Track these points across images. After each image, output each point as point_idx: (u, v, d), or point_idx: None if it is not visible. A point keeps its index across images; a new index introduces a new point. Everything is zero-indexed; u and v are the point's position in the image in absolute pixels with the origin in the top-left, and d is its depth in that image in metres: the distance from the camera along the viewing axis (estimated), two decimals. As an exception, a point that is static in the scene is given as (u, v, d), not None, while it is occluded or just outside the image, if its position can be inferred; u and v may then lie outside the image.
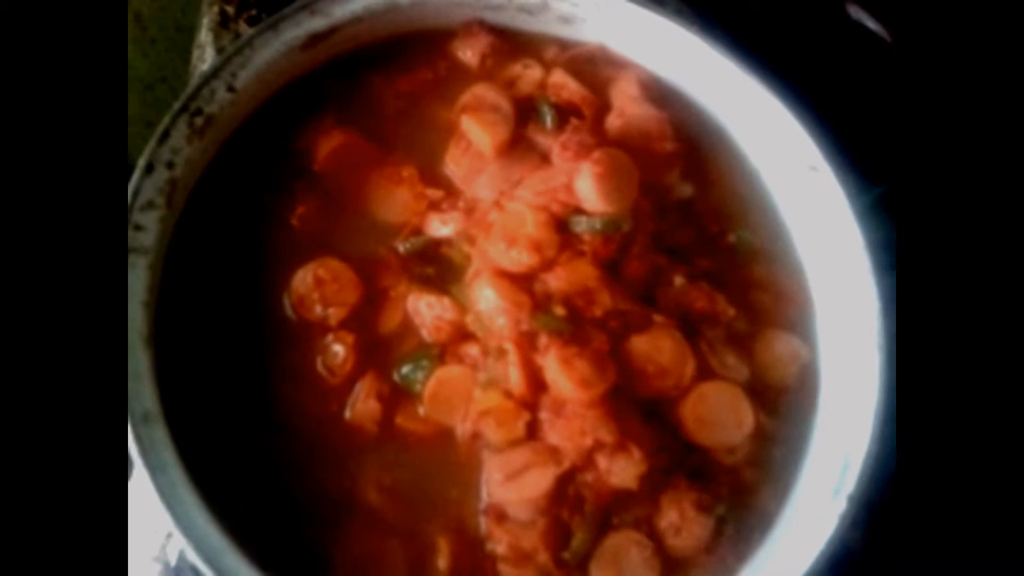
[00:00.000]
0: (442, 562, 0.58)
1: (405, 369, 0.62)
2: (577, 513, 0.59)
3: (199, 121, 0.62)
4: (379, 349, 0.63)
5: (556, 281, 0.63)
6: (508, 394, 0.60)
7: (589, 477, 0.59)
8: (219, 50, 0.86)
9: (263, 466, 0.59)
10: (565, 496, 0.59)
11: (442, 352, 0.63)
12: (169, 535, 0.69)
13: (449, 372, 0.62)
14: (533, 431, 0.60)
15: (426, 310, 0.64)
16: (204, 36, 0.91)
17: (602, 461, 0.58)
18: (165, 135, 0.60)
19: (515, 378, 0.60)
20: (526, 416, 0.60)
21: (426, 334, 0.64)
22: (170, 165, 0.60)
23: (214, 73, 0.63)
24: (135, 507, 0.72)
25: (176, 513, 0.51)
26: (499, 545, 0.58)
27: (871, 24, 0.94)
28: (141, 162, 0.59)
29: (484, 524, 0.59)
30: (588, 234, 0.64)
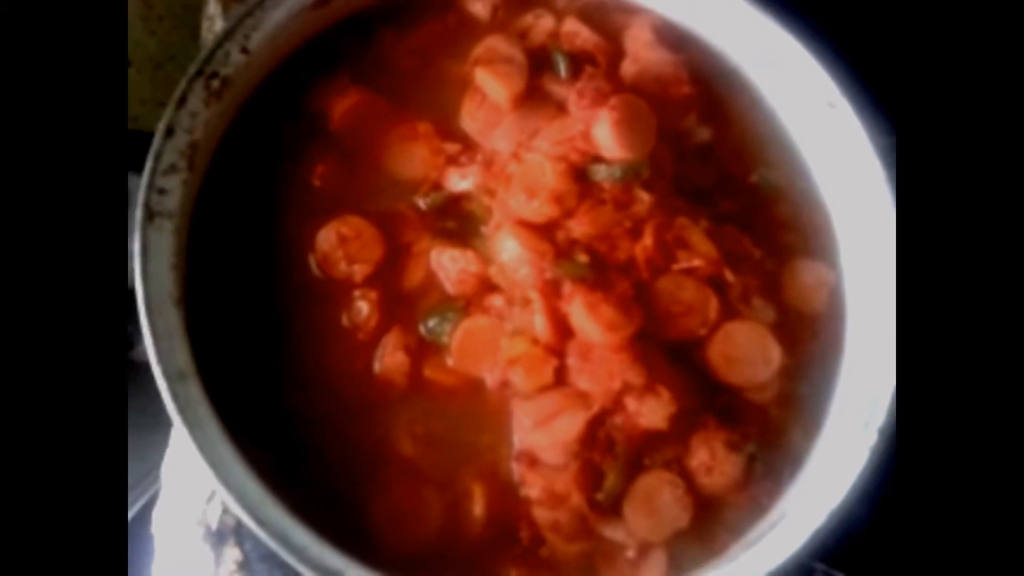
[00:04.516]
0: (477, 508, 0.59)
1: (431, 322, 0.63)
2: (608, 455, 0.59)
3: (215, 84, 0.62)
4: (404, 304, 0.64)
5: (578, 228, 0.63)
6: (535, 341, 0.61)
7: (619, 419, 0.59)
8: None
9: (296, 421, 0.60)
10: (596, 439, 0.60)
11: (467, 304, 0.63)
12: (210, 499, 0.70)
13: (475, 323, 0.62)
14: (561, 377, 0.61)
15: (450, 264, 0.64)
16: (213, 7, 0.91)
17: (631, 403, 0.59)
18: (183, 100, 0.61)
19: (541, 325, 0.60)
20: (554, 362, 0.60)
21: (450, 287, 0.64)
22: (189, 129, 0.61)
23: (227, 35, 0.63)
24: (173, 472, 0.74)
25: (216, 466, 0.52)
26: (532, 489, 0.59)
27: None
28: (161, 126, 0.59)
29: (517, 470, 0.60)
30: (608, 182, 0.64)
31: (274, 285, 0.63)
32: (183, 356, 0.55)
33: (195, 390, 0.54)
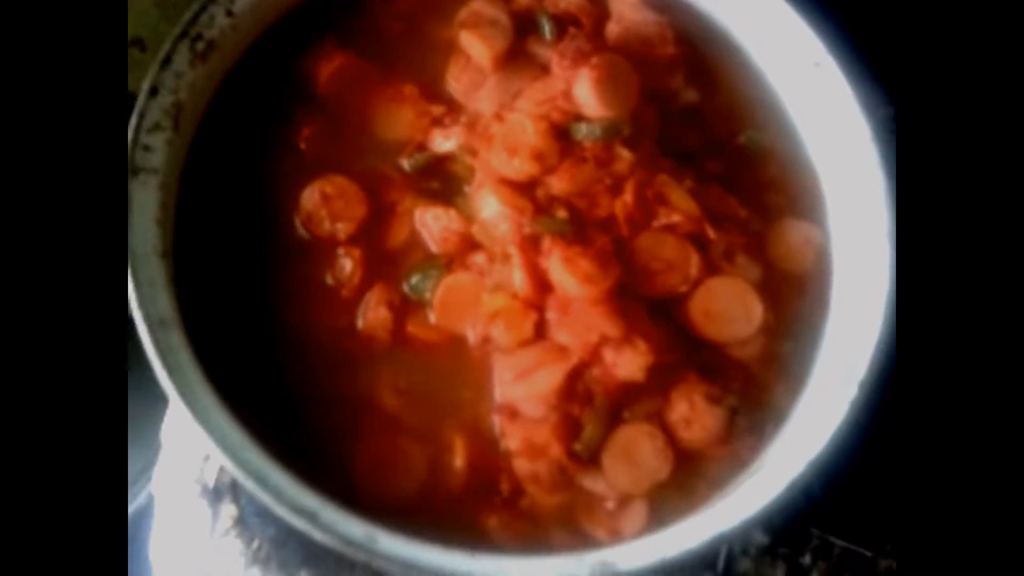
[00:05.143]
0: (459, 460, 0.60)
1: (414, 279, 0.64)
2: (587, 408, 0.60)
3: (200, 46, 0.64)
4: (387, 262, 0.65)
5: (558, 185, 0.63)
6: (515, 296, 0.61)
7: (597, 372, 0.60)
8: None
9: (279, 373, 0.61)
10: (575, 392, 0.60)
11: (449, 262, 0.64)
12: (207, 458, 0.72)
13: (457, 279, 0.63)
14: (541, 331, 0.61)
15: (433, 222, 0.65)
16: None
17: (608, 355, 0.59)
18: (167, 60, 0.62)
19: (520, 280, 0.61)
20: (533, 316, 0.61)
21: (433, 246, 0.65)
22: (174, 89, 0.62)
23: (216, 1, 0.64)
24: (172, 433, 0.76)
25: (194, 409, 0.53)
26: (512, 441, 0.60)
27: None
28: (145, 85, 0.61)
29: (497, 422, 0.61)
30: (589, 140, 0.65)
31: (260, 242, 0.64)
32: (165, 305, 0.56)
33: (176, 337, 0.56)
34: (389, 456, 0.60)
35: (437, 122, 0.68)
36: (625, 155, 0.64)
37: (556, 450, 0.59)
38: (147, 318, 0.54)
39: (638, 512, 0.60)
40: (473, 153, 0.66)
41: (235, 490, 0.71)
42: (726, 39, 0.75)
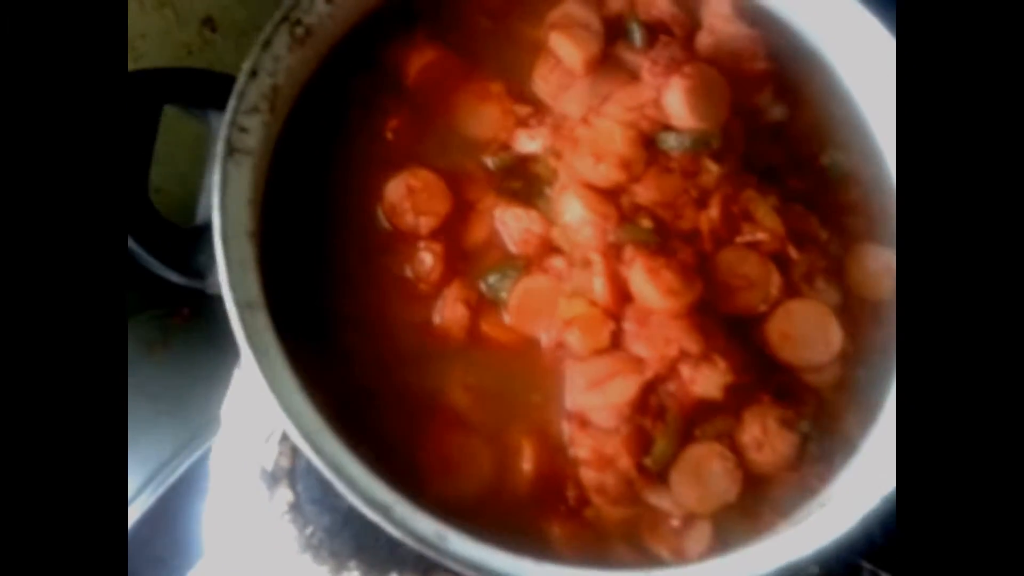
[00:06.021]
0: (526, 464, 0.59)
1: (492, 279, 0.63)
2: (659, 422, 0.59)
3: (299, 31, 0.64)
4: (466, 259, 0.65)
5: (644, 194, 0.63)
6: (593, 304, 0.61)
7: (673, 386, 0.59)
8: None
9: (354, 362, 0.61)
10: (648, 405, 0.59)
11: (528, 263, 0.64)
12: (267, 439, 0.72)
13: (535, 282, 0.63)
14: (617, 340, 0.61)
15: (513, 222, 0.65)
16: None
17: (686, 371, 0.59)
18: (267, 43, 0.62)
19: (600, 288, 0.60)
20: (611, 325, 0.60)
21: (512, 246, 0.65)
22: (272, 72, 0.63)
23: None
24: (234, 411, 0.76)
25: (279, 394, 0.53)
26: (581, 450, 0.59)
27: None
28: (245, 67, 0.61)
29: (567, 430, 0.60)
30: (677, 151, 0.64)
31: (343, 230, 0.64)
32: (254, 287, 0.56)
33: (263, 320, 0.56)
34: (456, 454, 0.60)
35: (522, 122, 0.68)
36: (712, 168, 0.63)
37: (625, 463, 0.59)
38: (237, 300, 0.54)
39: (703, 532, 0.59)
40: (558, 156, 0.65)
41: (292, 475, 0.72)
42: (815, 57, 0.74)
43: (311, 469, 0.70)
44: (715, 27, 0.70)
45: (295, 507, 0.71)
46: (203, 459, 1.12)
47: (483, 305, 0.63)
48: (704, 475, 0.59)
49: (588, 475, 0.59)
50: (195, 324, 1.37)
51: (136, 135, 0.61)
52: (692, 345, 0.58)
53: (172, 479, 1.10)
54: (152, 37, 1.42)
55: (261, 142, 0.61)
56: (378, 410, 0.60)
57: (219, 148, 0.58)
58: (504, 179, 0.67)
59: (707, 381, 0.58)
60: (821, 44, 0.74)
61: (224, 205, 0.56)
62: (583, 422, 0.60)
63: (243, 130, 0.60)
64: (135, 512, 1.06)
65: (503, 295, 0.63)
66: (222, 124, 0.59)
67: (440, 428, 0.60)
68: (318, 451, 0.53)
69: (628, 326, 0.60)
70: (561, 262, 0.63)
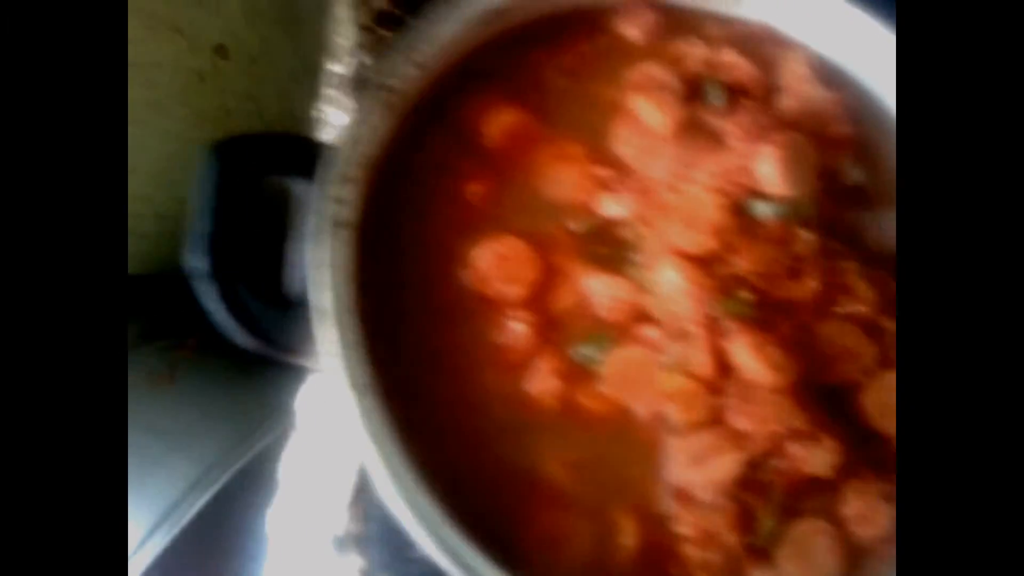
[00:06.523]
0: (628, 540, 0.58)
1: (584, 348, 0.62)
2: (762, 498, 0.59)
3: (389, 97, 0.63)
4: (555, 327, 0.63)
5: (740, 264, 0.62)
6: (692, 376, 0.60)
7: (780, 463, 0.58)
8: (362, 27, 0.87)
9: (452, 438, 0.59)
10: (752, 481, 0.59)
11: (620, 333, 0.63)
12: (335, 505, 0.71)
13: (630, 353, 0.62)
14: (717, 415, 0.60)
15: (602, 290, 0.64)
16: (342, 11, 0.91)
17: (795, 449, 0.58)
18: (360, 112, 0.61)
19: (702, 361, 0.59)
20: (711, 400, 0.59)
21: (602, 313, 0.63)
22: (365, 140, 0.61)
23: (402, 50, 0.63)
24: (291, 473, 0.74)
25: (396, 476, 0.52)
26: (686, 527, 0.58)
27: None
28: (345, 137, 0.60)
29: (670, 505, 0.59)
30: (770, 219, 0.63)
31: (427, 300, 0.63)
32: (364, 368, 0.55)
33: (374, 401, 0.54)
34: (557, 530, 0.58)
35: (605, 185, 0.67)
36: (806, 237, 0.63)
37: (731, 540, 0.58)
38: (353, 383, 0.52)
39: None
40: (645, 222, 0.65)
41: (363, 542, 0.70)
42: (892, 119, 0.74)
43: (383, 535, 0.69)
44: (796, 90, 0.70)
45: (366, 574, 0.69)
46: (216, 498, 1.09)
47: (576, 375, 0.62)
48: (810, 551, 0.58)
49: (692, 552, 0.58)
50: (202, 355, 1.33)
51: (236, 209, 0.59)
52: (800, 422, 0.58)
53: (185, 520, 1.07)
54: (165, 66, 1.39)
55: (356, 213, 0.59)
56: (478, 487, 0.58)
57: (323, 223, 0.56)
58: (590, 244, 0.66)
59: (816, 459, 0.57)
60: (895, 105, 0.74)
61: (334, 283, 0.55)
62: (686, 498, 0.59)
63: (341, 202, 0.58)
64: (145, 557, 1.03)
65: (597, 365, 0.62)
66: (319, 196, 0.57)
67: (540, 505, 0.59)
68: (439, 541, 0.51)
69: (730, 400, 0.59)
70: (654, 331, 0.62)
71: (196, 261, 0.55)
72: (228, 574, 1.03)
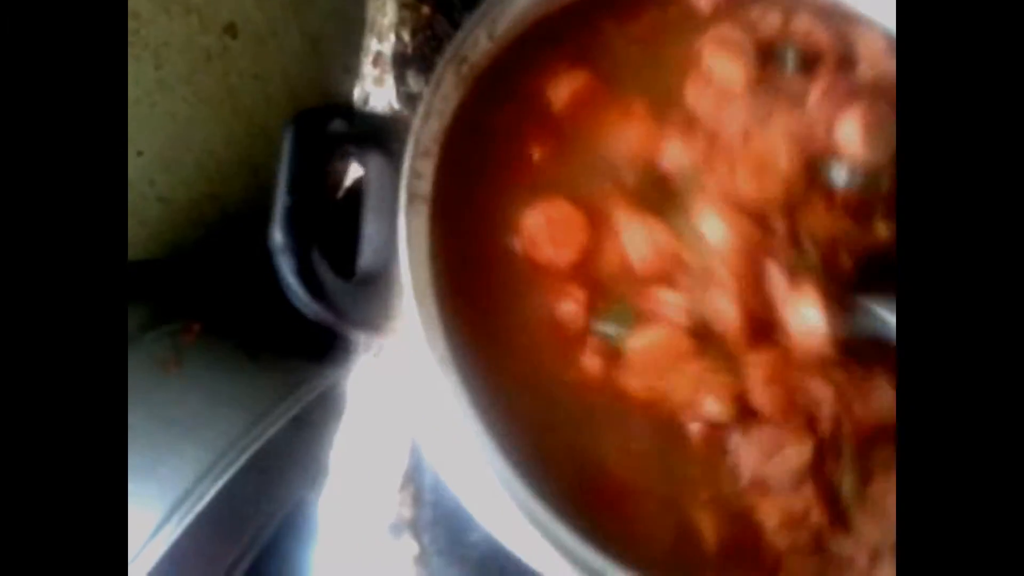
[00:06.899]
0: (709, 534, 0.54)
1: (609, 327, 0.58)
2: (839, 463, 0.56)
3: (464, 69, 0.60)
4: (602, 295, 0.59)
5: (803, 222, 0.59)
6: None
7: (845, 426, 0.56)
8: (403, 4, 0.84)
9: (522, 419, 0.55)
10: (824, 456, 0.56)
11: (643, 299, 0.58)
12: (386, 490, 0.67)
13: (654, 335, 0.57)
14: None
15: (642, 238, 0.59)
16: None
17: (858, 407, 0.56)
18: (438, 84, 0.58)
19: (732, 314, 0.56)
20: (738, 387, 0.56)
21: (638, 267, 0.59)
22: (441, 113, 0.59)
23: (478, 22, 0.61)
24: (342, 461, 0.70)
25: (492, 459, 0.49)
26: (769, 517, 0.55)
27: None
28: (420, 111, 0.57)
29: (748, 498, 0.56)
30: (845, 184, 0.60)
31: (494, 272, 0.59)
32: (443, 344, 0.52)
33: (455, 378, 0.51)
34: (637, 525, 0.54)
35: (669, 137, 0.63)
36: (883, 230, 0.60)
37: (817, 515, 0.55)
38: (440, 358, 0.50)
39: (890, 567, 0.55)
40: (709, 169, 0.61)
41: (416, 526, 0.66)
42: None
43: (436, 520, 0.65)
44: (875, 61, 0.67)
45: (421, 559, 0.65)
46: (229, 484, 1.05)
47: (611, 354, 0.57)
48: (887, 509, 0.55)
49: (780, 538, 0.54)
50: (208, 339, 1.31)
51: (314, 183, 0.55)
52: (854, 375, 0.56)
53: (199, 507, 1.04)
54: (174, 45, 1.36)
55: (433, 187, 0.56)
56: (551, 473, 0.54)
57: (403, 197, 0.54)
58: (642, 192, 0.61)
59: (878, 403, 0.55)
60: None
61: (412, 260, 0.52)
62: (763, 488, 0.55)
63: (418, 176, 0.55)
64: (160, 545, 1.00)
65: (622, 343, 0.57)
66: (399, 170, 0.54)
67: (615, 496, 0.55)
68: (536, 523, 0.48)
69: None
70: (678, 298, 0.58)
71: (278, 235, 0.52)
72: (243, 561, 1.00)
